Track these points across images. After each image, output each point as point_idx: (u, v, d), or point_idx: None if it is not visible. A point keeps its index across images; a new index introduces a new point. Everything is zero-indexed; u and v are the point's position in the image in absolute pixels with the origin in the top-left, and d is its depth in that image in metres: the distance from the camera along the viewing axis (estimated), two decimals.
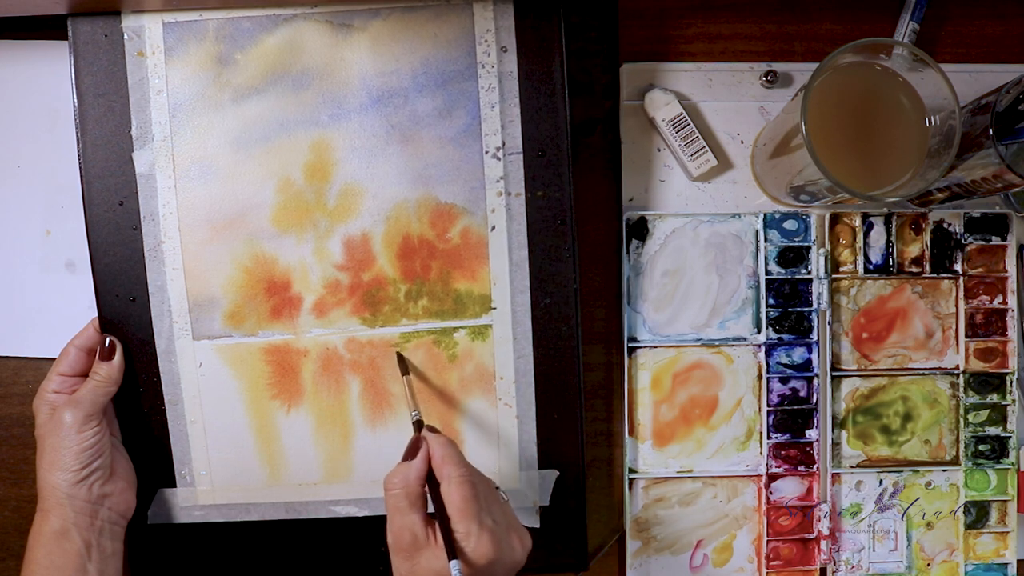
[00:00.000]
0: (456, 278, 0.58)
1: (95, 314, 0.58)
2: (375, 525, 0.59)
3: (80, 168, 0.57)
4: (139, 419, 0.58)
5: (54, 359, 0.57)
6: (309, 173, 0.57)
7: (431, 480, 0.49)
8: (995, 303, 0.63)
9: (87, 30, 0.56)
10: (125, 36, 0.56)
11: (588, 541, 0.60)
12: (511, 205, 0.57)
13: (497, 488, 0.51)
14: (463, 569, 0.45)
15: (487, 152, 0.57)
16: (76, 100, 0.56)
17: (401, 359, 0.58)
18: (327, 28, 0.56)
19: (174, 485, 0.59)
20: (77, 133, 0.56)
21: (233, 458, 0.59)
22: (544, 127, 0.57)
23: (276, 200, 0.57)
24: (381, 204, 0.58)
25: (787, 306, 0.62)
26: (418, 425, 0.53)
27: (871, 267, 0.62)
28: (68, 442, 0.52)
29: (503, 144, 0.57)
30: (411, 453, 0.50)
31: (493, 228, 0.58)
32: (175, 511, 0.59)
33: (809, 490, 0.62)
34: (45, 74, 0.61)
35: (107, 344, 0.56)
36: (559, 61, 0.57)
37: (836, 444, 0.62)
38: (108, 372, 0.55)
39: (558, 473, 0.59)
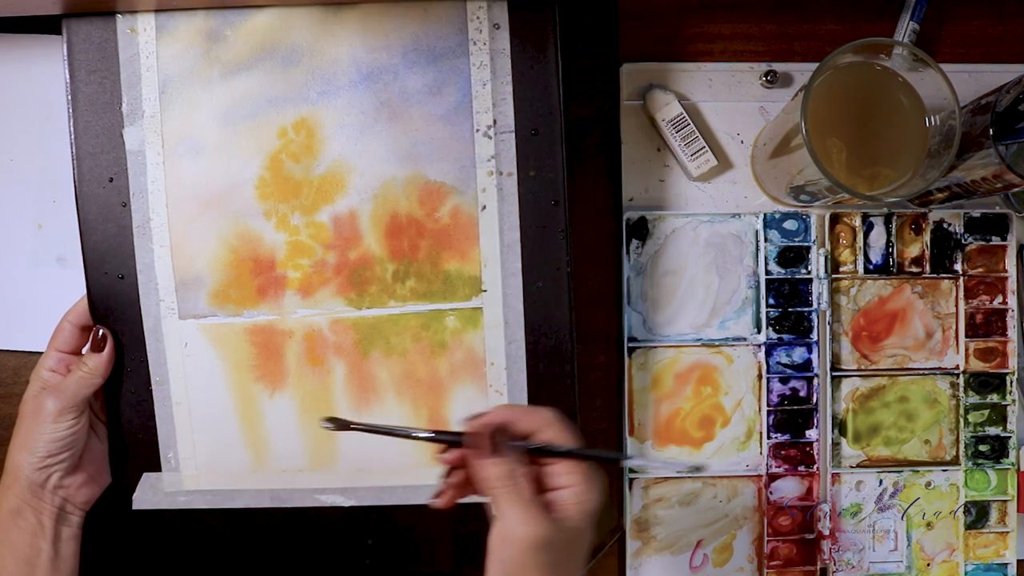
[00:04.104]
0: (446, 258, 0.56)
1: None
2: (361, 516, 0.58)
3: (71, 145, 0.55)
4: (126, 401, 0.58)
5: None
6: (297, 150, 0.56)
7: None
8: (995, 303, 0.63)
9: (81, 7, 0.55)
10: (118, 13, 0.55)
11: None
12: (503, 185, 0.56)
13: None
14: None
15: (478, 130, 0.56)
16: (68, 77, 0.55)
17: (333, 420, 0.50)
18: (317, 5, 0.55)
19: (159, 469, 0.58)
20: (69, 110, 0.55)
21: (217, 441, 0.58)
22: (537, 105, 0.55)
23: (262, 177, 0.56)
24: (369, 182, 0.56)
25: (787, 306, 0.62)
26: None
27: (871, 267, 0.62)
28: (42, 429, 0.53)
29: (494, 122, 0.55)
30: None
31: (484, 208, 0.56)
32: (160, 496, 0.58)
33: (809, 490, 0.62)
34: (38, 69, 0.61)
35: (99, 335, 0.56)
36: (553, 39, 0.55)
37: (836, 444, 0.62)
38: (96, 365, 0.55)
39: None
